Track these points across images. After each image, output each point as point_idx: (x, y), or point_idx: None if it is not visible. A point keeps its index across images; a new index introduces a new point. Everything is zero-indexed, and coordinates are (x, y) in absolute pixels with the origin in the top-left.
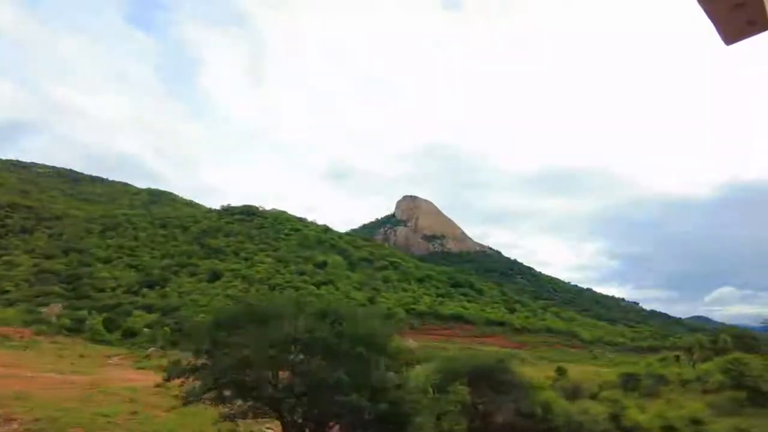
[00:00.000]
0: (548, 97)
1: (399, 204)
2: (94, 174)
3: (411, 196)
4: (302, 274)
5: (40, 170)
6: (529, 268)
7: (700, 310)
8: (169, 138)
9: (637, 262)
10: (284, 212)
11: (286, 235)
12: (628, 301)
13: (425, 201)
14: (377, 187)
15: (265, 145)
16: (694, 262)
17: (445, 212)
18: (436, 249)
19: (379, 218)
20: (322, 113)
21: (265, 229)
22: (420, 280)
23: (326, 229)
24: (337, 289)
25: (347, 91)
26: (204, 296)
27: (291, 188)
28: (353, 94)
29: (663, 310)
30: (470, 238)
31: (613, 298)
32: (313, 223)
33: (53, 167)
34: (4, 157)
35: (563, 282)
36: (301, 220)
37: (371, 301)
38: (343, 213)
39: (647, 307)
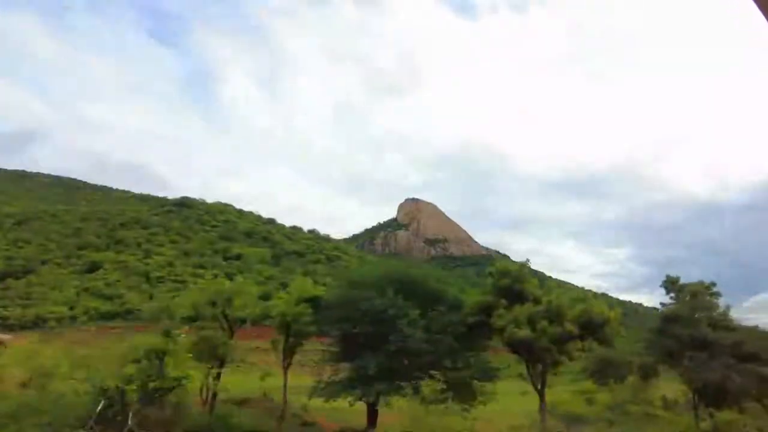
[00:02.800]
0: (571, 99)
1: (401, 207)
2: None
3: (413, 199)
4: (200, 267)
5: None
6: (535, 272)
7: (739, 318)
8: (184, 148)
9: (668, 268)
10: (226, 204)
11: (212, 226)
12: (648, 307)
13: (428, 203)
14: (394, 194)
15: (281, 155)
16: (729, 267)
17: (461, 219)
18: (438, 253)
19: (382, 222)
20: (337, 121)
21: (190, 221)
22: None
23: (271, 221)
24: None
25: (362, 99)
26: (53, 289)
27: (306, 198)
28: (369, 102)
29: None
30: (476, 242)
31: (630, 303)
32: (256, 215)
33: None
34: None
35: (575, 286)
36: (240, 212)
37: (266, 297)
38: (360, 221)
39: None
